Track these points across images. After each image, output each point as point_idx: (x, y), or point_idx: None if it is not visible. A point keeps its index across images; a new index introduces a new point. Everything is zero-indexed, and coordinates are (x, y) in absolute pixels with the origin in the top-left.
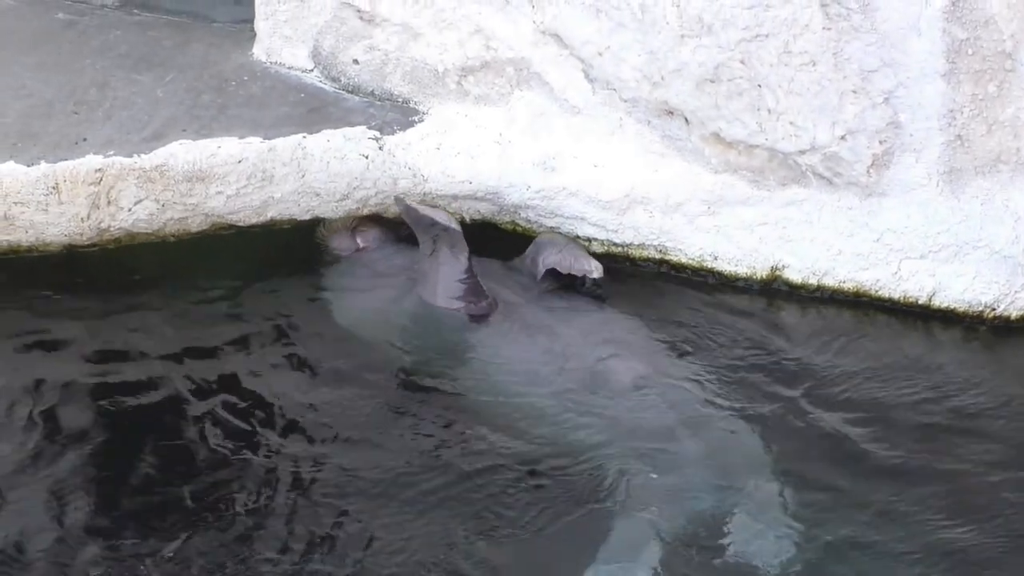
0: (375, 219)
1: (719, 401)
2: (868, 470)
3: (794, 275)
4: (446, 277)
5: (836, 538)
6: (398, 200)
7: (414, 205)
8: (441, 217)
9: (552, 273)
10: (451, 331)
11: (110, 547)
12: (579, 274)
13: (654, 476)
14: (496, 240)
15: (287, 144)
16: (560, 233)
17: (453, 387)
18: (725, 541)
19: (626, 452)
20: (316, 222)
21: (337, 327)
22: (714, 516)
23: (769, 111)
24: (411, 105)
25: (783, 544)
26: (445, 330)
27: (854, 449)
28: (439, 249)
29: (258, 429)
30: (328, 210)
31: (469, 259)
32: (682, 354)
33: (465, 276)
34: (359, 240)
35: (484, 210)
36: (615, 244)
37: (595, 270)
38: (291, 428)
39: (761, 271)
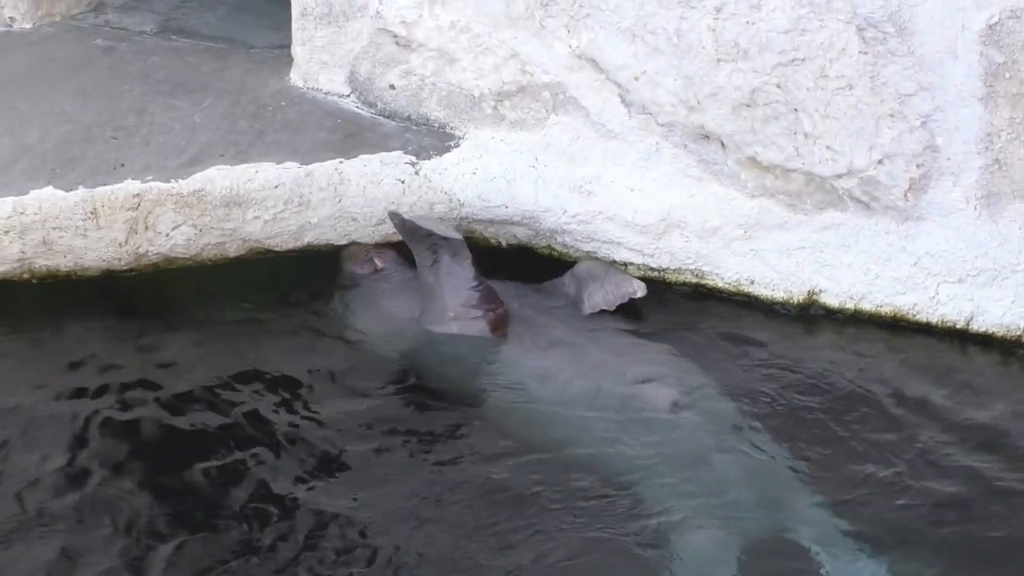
0: (394, 244)
1: (756, 424)
2: (908, 493)
3: (831, 299)
4: (453, 289)
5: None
6: (392, 214)
7: (409, 217)
8: (439, 227)
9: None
10: (471, 346)
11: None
12: (624, 300)
13: (696, 500)
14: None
15: (324, 169)
16: (594, 259)
17: (479, 405)
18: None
19: (665, 476)
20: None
21: (361, 347)
22: (760, 540)
23: (806, 135)
24: (447, 130)
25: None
26: (465, 346)
27: (893, 474)
28: (439, 260)
29: (292, 451)
30: (364, 235)
31: (475, 265)
32: (717, 378)
33: (475, 283)
34: (377, 262)
35: (520, 235)
36: (652, 268)
37: (638, 290)
38: (323, 450)
39: (798, 295)
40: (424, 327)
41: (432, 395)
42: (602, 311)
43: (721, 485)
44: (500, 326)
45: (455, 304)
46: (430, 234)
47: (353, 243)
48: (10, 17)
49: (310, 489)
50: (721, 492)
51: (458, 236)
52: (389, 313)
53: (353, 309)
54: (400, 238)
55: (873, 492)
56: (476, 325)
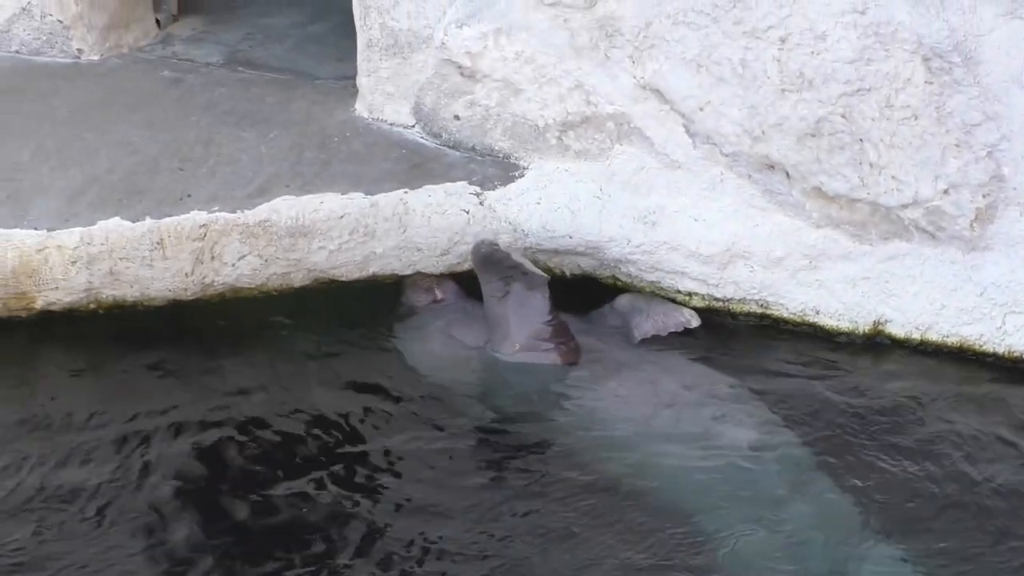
0: (456, 275)
1: (825, 462)
2: (982, 539)
3: (897, 330)
4: (524, 320)
5: None
6: (481, 242)
7: (502, 246)
8: (527, 263)
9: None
10: (536, 376)
11: None
12: (678, 329)
13: (764, 540)
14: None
15: (389, 200)
16: (636, 293)
17: (545, 435)
18: None
19: (734, 513)
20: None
21: (423, 377)
22: None
23: (871, 165)
24: (511, 160)
25: None
26: (530, 375)
27: (967, 518)
28: (512, 292)
29: (355, 482)
30: (429, 265)
31: (550, 300)
32: (786, 412)
33: (549, 317)
34: (437, 292)
35: (584, 265)
36: (716, 299)
37: (692, 319)
38: (386, 481)
39: (863, 326)
40: (491, 354)
41: (495, 424)
42: (660, 341)
43: (791, 526)
44: (572, 359)
45: (524, 335)
46: (514, 265)
47: (416, 273)
48: (78, 49)
49: (373, 519)
50: (791, 533)
51: (542, 274)
52: (450, 342)
53: (413, 338)
54: (464, 268)
55: (944, 538)
56: (547, 356)
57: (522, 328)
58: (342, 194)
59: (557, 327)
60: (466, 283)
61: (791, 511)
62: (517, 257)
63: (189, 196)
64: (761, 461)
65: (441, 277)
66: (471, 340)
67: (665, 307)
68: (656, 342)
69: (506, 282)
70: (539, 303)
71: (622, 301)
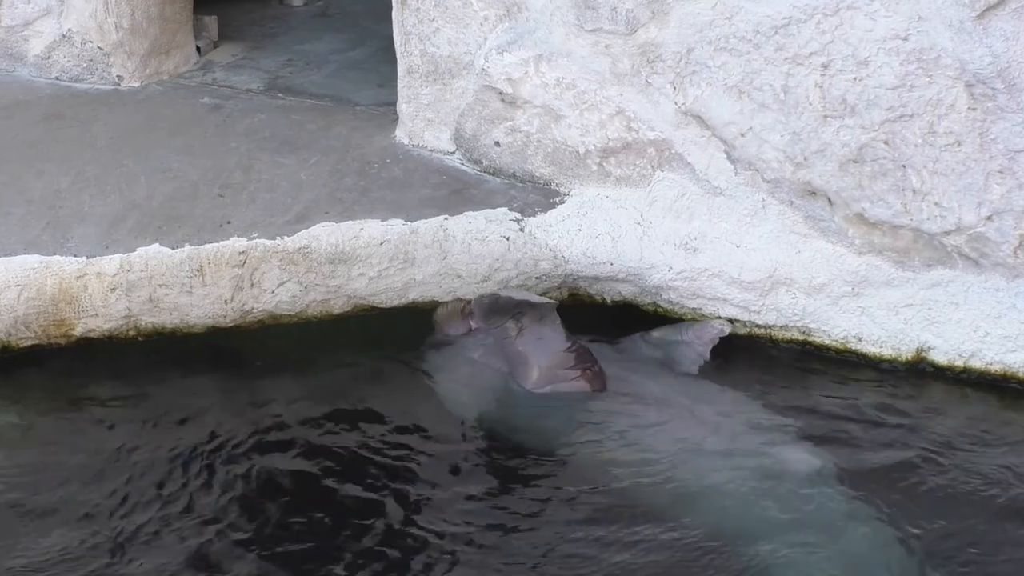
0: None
1: (872, 488)
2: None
3: (940, 357)
4: (544, 352)
5: None
6: (480, 297)
7: (499, 292)
8: (525, 295)
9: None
10: (568, 407)
11: None
12: (715, 342)
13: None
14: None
15: (429, 226)
16: (667, 326)
17: (586, 466)
18: None
19: (791, 544)
20: None
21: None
22: None
23: (914, 191)
24: (552, 187)
25: None
26: (561, 407)
27: (1014, 546)
28: (524, 328)
29: (395, 514)
30: (469, 292)
31: (564, 327)
32: (832, 444)
33: (568, 344)
34: (471, 322)
35: (625, 291)
36: (757, 326)
37: (724, 328)
38: (420, 509)
39: (906, 353)
40: (518, 389)
41: (533, 459)
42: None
43: (848, 553)
44: (599, 384)
45: (546, 366)
46: (519, 303)
47: (446, 302)
48: (118, 76)
49: (406, 548)
50: (850, 562)
51: (547, 300)
52: (478, 377)
53: (446, 370)
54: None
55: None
56: (574, 384)
57: (543, 359)
58: (382, 221)
59: (578, 352)
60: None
61: (848, 539)
62: (518, 294)
63: (229, 223)
64: (817, 486)
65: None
66: (498, 371)
67: (694, 326)
68: (680, 376)
69: (516, 319)
70: (554, 331)
71: (653, 335)
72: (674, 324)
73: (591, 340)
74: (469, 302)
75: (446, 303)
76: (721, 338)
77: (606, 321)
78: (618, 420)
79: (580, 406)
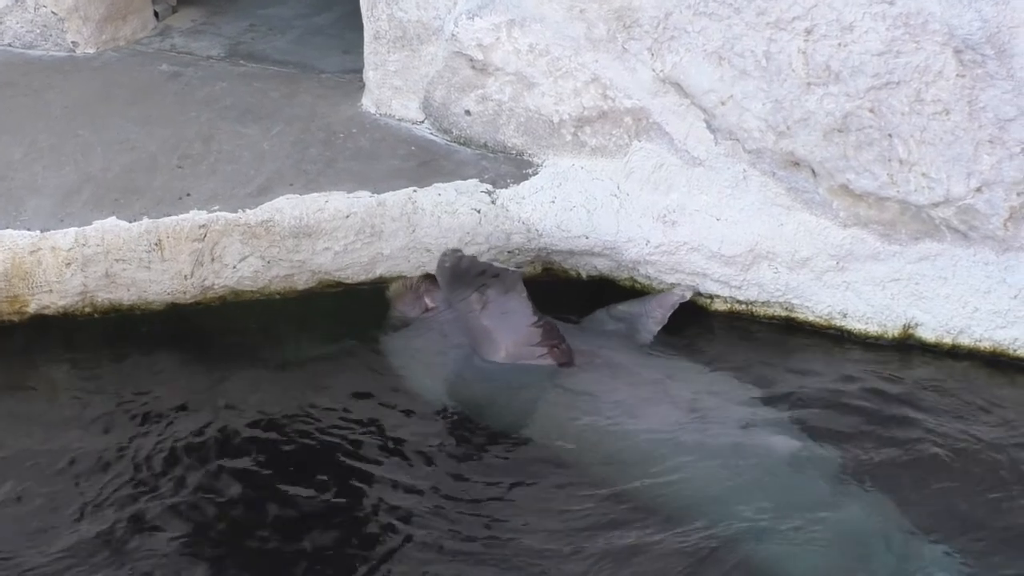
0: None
1: (860, 466)
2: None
3: (927, 333)
4: (512, 329)
5: None
6: (445, 256)
7: (461, 252)
8: (492, 264)
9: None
10: (537, 385)
11: None
12: (675, 307)
13: (820, 552)
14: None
15: (397, 198)
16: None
17: (557, 447)
18: None
19: (784, 523)
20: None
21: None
22: None
23: (900, 162)
24: (525, 157)
25: None
26: (530, 385)
27: (1004, 513)
28: (489, 301)
29: (356, 487)
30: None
31: (531, 300)
32: (813, 418)
33: (535, 319)
34: (427, 300)
35: (601, 266)
36: (739, 301)
37: (685, 293)
38: (389, 486)
39: (893, 329)
40: (485, 367)
41: (502, 438)
42: (666, 346)
43: (837, 534)
44: (565, 359)
45: (512, 343)
46: (484, 271)
47: (398, 278)
48: (73, 42)
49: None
50: (839, 542)
51: (514, 269)
52: (445, 356)
53: (406, 354)
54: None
55: (986, 537)
56: (540, 361)
57: (509, 336)
58: (348, 193)
59: (545, 328)
60: None
61: (836, 519)
62: (482, 263)
63: (188, 195)
64: (801, 468)
65: (429, 282)
66: (460, 352)
67: (656, 296)
68: (661, 348)
69: (480, 292)
70: (520, 305)
71: (621, 307)
72: (637, 298)
73: (556, 316)
74: (423, 279)
75: (399, 280)
76: (702, 315)
77: (584, 297)
78: (586, 398)
79: (548, 382)
